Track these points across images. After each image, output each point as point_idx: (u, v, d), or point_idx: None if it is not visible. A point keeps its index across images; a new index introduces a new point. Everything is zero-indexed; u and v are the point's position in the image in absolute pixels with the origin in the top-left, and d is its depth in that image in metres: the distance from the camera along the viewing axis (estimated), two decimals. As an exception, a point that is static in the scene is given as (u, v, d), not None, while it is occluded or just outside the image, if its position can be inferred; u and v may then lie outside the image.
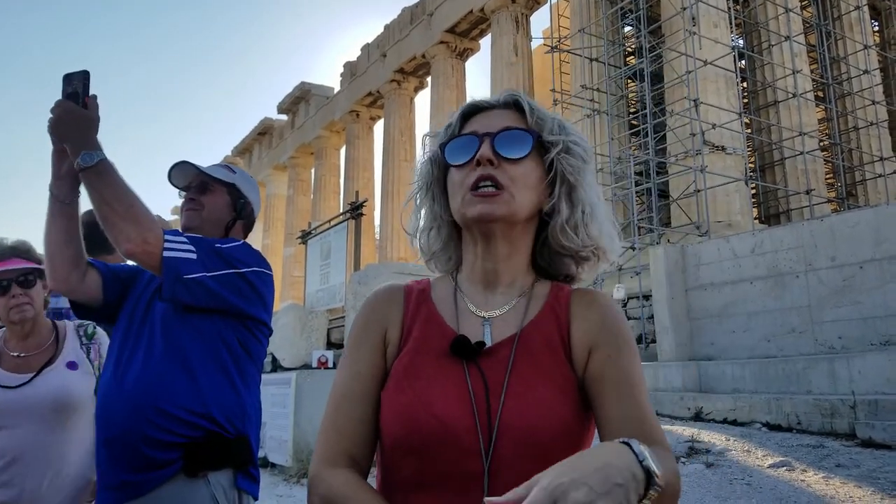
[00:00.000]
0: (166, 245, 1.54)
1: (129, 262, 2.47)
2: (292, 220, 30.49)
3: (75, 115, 1.48)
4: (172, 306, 1.63)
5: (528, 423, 0.84)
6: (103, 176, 1.49)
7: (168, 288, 1.55)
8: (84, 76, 1.50)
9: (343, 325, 11.22)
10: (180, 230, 1.79)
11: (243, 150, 38.35)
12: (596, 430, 0.90)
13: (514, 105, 0.98)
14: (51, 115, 1.48)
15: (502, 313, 0.95)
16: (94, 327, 2.10)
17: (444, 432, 0.84)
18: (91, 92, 1.51)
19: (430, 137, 1.03)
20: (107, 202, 1.49)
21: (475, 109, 0.99)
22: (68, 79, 1.50)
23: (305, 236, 14.58)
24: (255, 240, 35.32)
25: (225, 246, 1.70)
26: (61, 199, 1.59)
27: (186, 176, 1.86)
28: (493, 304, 0.96)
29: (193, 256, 1.58)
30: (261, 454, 6.06)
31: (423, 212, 1.02)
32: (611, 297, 0.96)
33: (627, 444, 0.69)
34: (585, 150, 0.97)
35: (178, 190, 1.89)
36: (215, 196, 1.87)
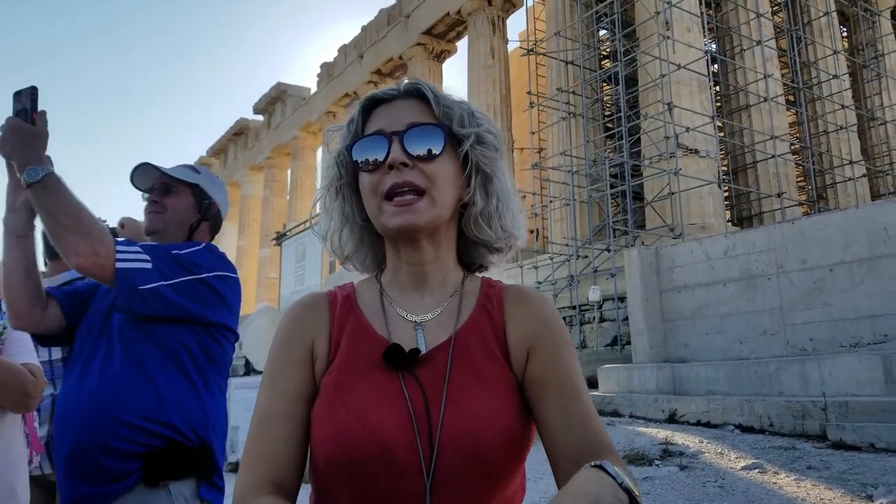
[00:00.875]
0: (118, 256, 1.49)
1: None
2: (268, 221, 30.30)
3: (22, 131, 1.44)
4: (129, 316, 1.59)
5: (470, 432, 0.79)
6: (49, 190, 1.44)
7: (123, 300, 1.51)
8: (32, 92, 1.48)
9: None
10: (145, 233, 1.82)
11: (218, 150, 38.00)
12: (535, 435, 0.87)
13: (418, 94, 0.90)
14: None
15: (434, 316, 0.90)
16: (4, 327, 2.04)
17: (382, 450, 0.79)
18: (40, 108, 1.48)
19: (333, 133, 0.95)
20: (54, 216, 1.44)
21: (376, 102, 0.92)
22: (17, 96, 1.48)
23: (280, 238, 14.48)
24: (230, 241, 35.14)
25: (184, 252, 1.65)
26: (17, 232, 1.55)
27: (149, 178, 1.83)
28: (424, 306, 0.91)
29: (148, 266, 1.54)
30: (233, 459, 5.98)
31: (334, 214, 0.95)
32: (543, 294, 0.93)
33: (601, 466, 0.68)
34: (497, 138, 0.92)
35: (141, 193, 1.86)
36: (179, 197, 1.84)
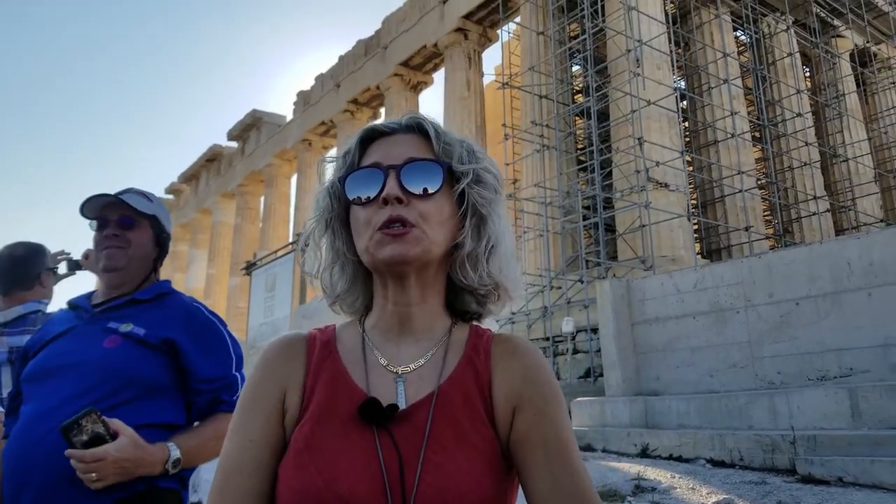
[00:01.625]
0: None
1: (45, 306, 2.37)
2: (239, 250, 29.98)
3: (136, 462, 1.43)
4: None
5: (445, 499, 0.74)
6: (188, 459, 1.57)
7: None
8: (95, 416, 1.37)
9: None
10: (102, 271, 1.71)
11: (190, 176, 37.67)
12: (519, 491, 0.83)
13: (418, 129, 0.88)
14: (98, 477, 1.38)
15: (418, 367, 0.85)
16: None
17: None
18: (111, 429, 1.41)
19: (328, 164, 0.92)
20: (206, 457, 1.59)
21: (376, 134, 0.89)
22: (74, 428, 1.35)
23: (250, 267, 14.33)
24: (199, 269, 34.70)
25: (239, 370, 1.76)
26: None
27: (105, 208, 1.70)
28: (407, 356, 0.86)
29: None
30: (194, 499, 5.82)
31: (323, 248, 0.91)
32: (532, 344, 0.90)
33: None
34: (497, 178, 0.90)
35: (91, 223, 1.73)
36: (141, 231, 1.74)
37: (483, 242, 0.87)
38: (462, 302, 0.92)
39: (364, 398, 0.81)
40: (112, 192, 1.73)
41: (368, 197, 0.83)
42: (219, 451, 0.86)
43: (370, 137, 0.89)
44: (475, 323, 0.94)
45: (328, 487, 0.75)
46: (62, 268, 2.55)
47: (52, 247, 2.51)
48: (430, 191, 0.83)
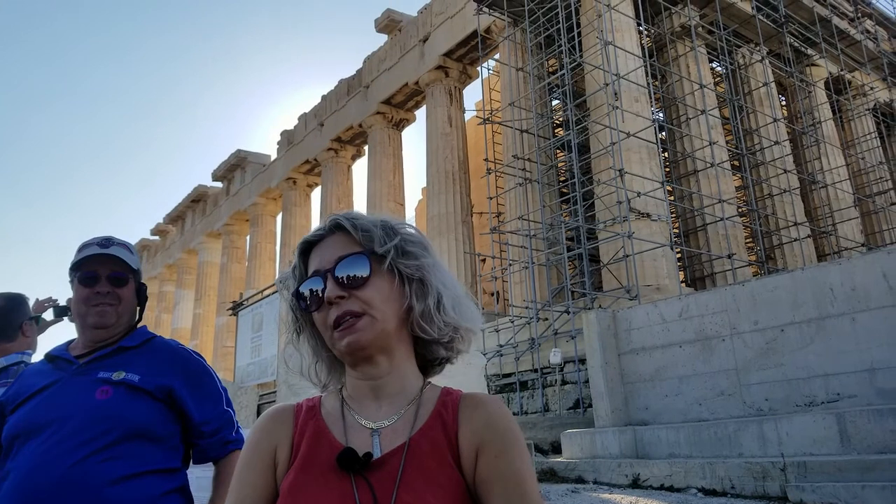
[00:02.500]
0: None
1: (29, 357, 2.33)
2: (226, 289, 29.83)
3: None
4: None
5: None
6: None
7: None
8: None
9: (275, 401, 10.88)
10: (89, 326, 1.69)
11: (175, 217, 37.64)
12: None
13: (339, 228, 0.98)
14: None
15: (391, 423, 0.94)
16: None
17: None
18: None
19: (284, 283, 1.03)
20: None
21: (310, 245, 1.00)
22: None
23: (236, 308, 14.24)
24: (186, 308, 34.42)
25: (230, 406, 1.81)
26: None
27: (95, 261, 1.68)
28: (382, 414, 0.96)
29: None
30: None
31: (303, 351, 1.02)
32: (497, 398, 0.94)
33: None
34: (420, 242, 0.99)
35: (74, 275, 1.68)
36: (129, 287, 1.74)
37: (429, 299, 0.96)
38: (432, 352, 1.01)
39: (341, 449, 0.90)
40: (88, 237, 1.73)
41: (318, 301, 0.94)
42: None
43: (307, 249, 1.00)
44: (446, 385, 1.03)
45: None
46: (48, 315, 2.52)
47: (26, 291, 2.48)
48: (363, 278, 0.93)
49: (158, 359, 1.70)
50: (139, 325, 1.81)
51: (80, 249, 1.71)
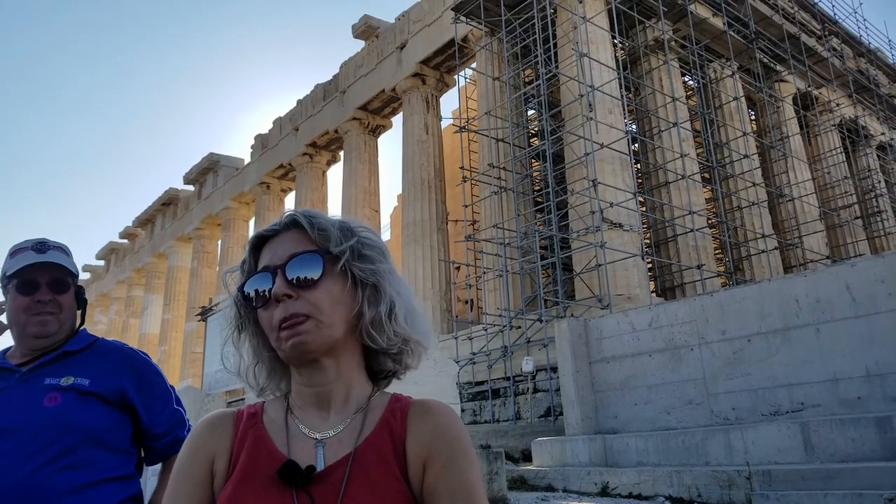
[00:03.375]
0: None
1: None
2: (196, 294, 29.46)
3: None
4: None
5: None
6: None
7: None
8: None
9: (247, 406, 10.76)
10: (29, 336, 1.62)
11: (145, 220, 37.09)
12: None
13: (296, 225, 0.94)
14: None
15: (337, 433, 0.90)
16: None
17: None
18: None
19: (230, 275, 0.98)
20: None
21: (263, 240, 0.95)
22: None
23: (205, 313, 14.07)
24: (155, 313, 33.91)
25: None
26: None
27: (33, 269, 1.59)
28: (327, 424, 0.91)
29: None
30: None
31: (243, 351, 0.96)
32: (447, 406, 0.91)
33: None
34: (378, 247, 0.96)
35: (8, 284, 1.60)
36: (69, 292, 1.66)
37: (381, 307, 0.92)
38: (379, 363, 0.97)
39: (283, 461, 0.86)
40: (33, 238, 1.65)
41: (265, 296, 0.90)
42: None
43: (259, 244, 0.95)
44: (397, 379, 1.00)
45: None
46: None
47: None
48: (314, 279, 0.89)
49: (106, 361, 1.65)
50: (80, 328, 1.75)
51: (14, 255, 1.62)
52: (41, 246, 1.63)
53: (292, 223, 0.94)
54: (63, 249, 1.68)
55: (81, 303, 1.74)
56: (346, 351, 0.93)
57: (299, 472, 0.84)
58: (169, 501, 0.89)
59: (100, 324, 40.00)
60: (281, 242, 0.93)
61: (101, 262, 42.90)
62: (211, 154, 31.02)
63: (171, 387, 1.78)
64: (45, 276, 1.61)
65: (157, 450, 1.69)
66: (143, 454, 1.73)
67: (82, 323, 1.75)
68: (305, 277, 0.89)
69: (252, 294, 0.91)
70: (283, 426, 0.91)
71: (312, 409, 0.93)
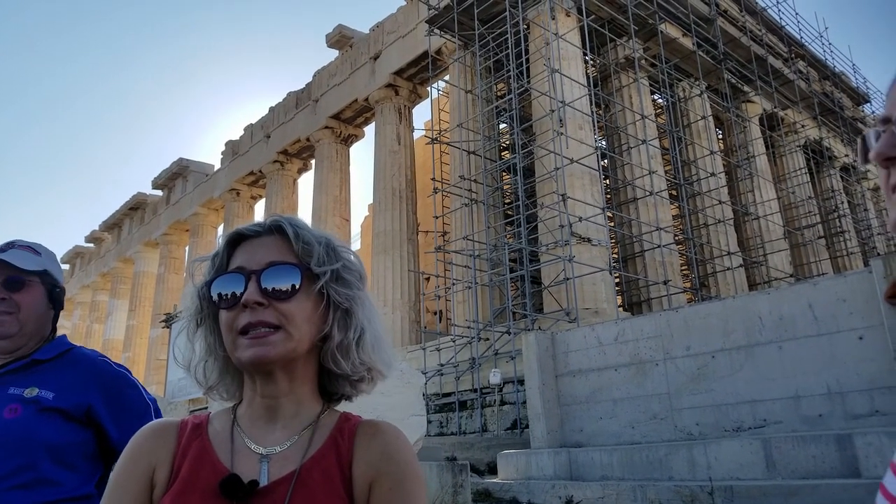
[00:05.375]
0: None
1: None
2: (162, 300, 28.98)
3: None
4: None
5: None
6: None
7: None
8: None
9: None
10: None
11: (112, 224, 36.46)
12: None
13: (279, 231, 0.92)
14: None
15: (283, 450, 0.88)
16: None
17: None
18: None
19: (198, 264, 0.96)
20: None
21: (241, 237, 0.93)
22: None
23: (169, 320, 13.84)
24: (120, 319, 33.30)
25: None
26: None
27: None
28: (274, 439, 0.89)
29: None
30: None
31: (196, 345, 0.94)
32: (396, 428, 0.92)
33: None
34: (357, 273, 0.94)
35: None
36: (31, 291, 1.59)
37: (351, 332, 0.91)
38: (335, 385, 0.95)
39: (225, 475, 0.84)
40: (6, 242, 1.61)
41: (234, 297, 0.87)
42: None
43: (237, 241, 0.93)
44: (348, 401, 0.98)
45: None
46: None
47: None
48: (289, 292, 0.87)
49: (74, 373, 1.57)
50: (57, 335, 1.68)
51: None
52: (5, 246, 1.59)
53: (277, 229, 0.92)
54: (32, 248, 1.62)
55: (56, 305, 1.67)
56: (302, 368, 0.91)
57: (241, 487, 0.82)
58: None
59: (62, 328, 37.96)
60: (261, 246, 0.90)
61: (66, 266, 42.00)
62: (180, 159, 30.65)
63: (153, 399, 1.69)
64: (1, 275, 1.55)
65: None
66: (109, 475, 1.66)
67: (54, 328, 1.68)
68: (281, 287, 0.87)
69: (220, 293, 0.88)
70: (227, 439, 0.89)
71: (260, 421, 0.91)
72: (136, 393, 1.64)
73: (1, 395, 1.49)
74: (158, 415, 1.67)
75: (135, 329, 31.41)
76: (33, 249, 1.63)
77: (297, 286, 0.87)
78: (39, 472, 1.43)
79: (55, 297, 1.66)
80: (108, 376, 1.61)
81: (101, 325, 35.57)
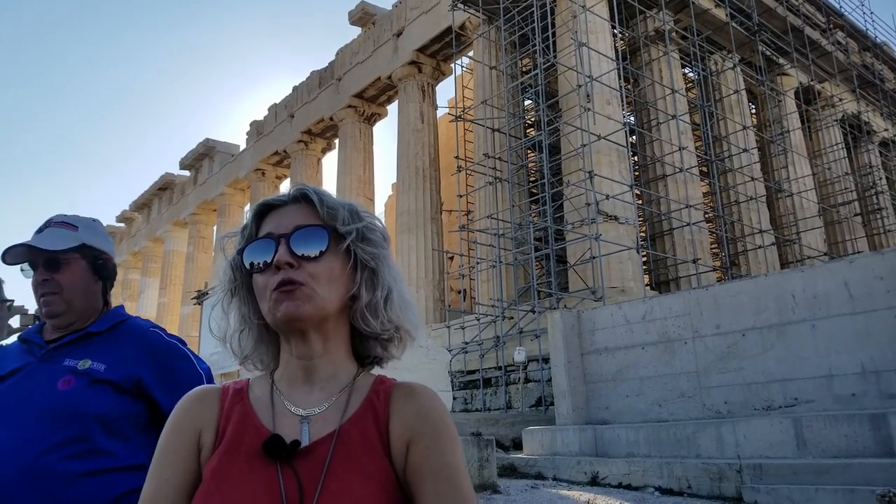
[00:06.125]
0: None
1: None
2: (191, 278, 29.41)
3: None
4: None
5: None
6: None
7: None
8: None
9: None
10: (45, 316, 1.59)
11: (142, 205, 37.01)
12: None
13: (305, 199, 0.96)
14: None
15: (321, 411, 0.91)
16: None
17: None
18: None
19: (229, 239, 1.00)
20: None
21: (268, 208, 0.97)
22: None
23: (201, 297, 13.99)
24: (151, 297, 33.87)
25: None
26: None
27: (29, 251, 1.58)
28: (312, 401, 0.92)
29: None
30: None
31: (231, 316, 0.98)
32: (430, 389, 0.93)
33: None
34: (381, 234, 0.98)
35: (23, 267, 1.60)
36: (70, 268, 1.60)
37: (378, 292, 0.95)
38: (367, 348, 0.98)
39: (268, 436, 0.87)
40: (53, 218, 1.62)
41: (264, 264, 0.91)
42: None
43: (264, 212, 0.97)
44: (380, 368, 1.01)
45: None
46: (15, 322, 2.40)
47: None
48: (318, 253, 0.91)
49: (126, 345, 1.59)
50: (113, 306, 1.69)
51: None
52: (43, 226, 1.62)
53: (302, 197, 0.96)
54: (69, 224, 1.63)
55: (104, 276, 1.68)
56: (334, 329, 0.94)
57: (284, 447, 0.85)
58: (155, 474, 0.89)
59: None
60: (288, 213, 0.95)
61: (97, 246, 42.78)
62: (207, 140, 30.89)
63: (206, 368, 1.69)
64: (39, 256, 1.58)
65: None
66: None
67: (106, 299, 1.69)
68: (310, 248, 0.91)
69: (252, 260, 0.92)
70: (268, 403, 0.93)
71: (298, 383, 0.94)
72: (188, 363, 1.65)
73: (56, 366, 1.52)
74: (212, 380, 1.68)
75: (166, 306, 31.97)
76: (70, 224, 1.63)
77: (325, 246, 0.91)
78: (92, 443, 1.46)
79: (100, 268, 1.66)
80: (159, 348, 1.63)
81: (133, 302, 36.25)
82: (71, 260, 1.60)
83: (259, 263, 0.91)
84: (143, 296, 34.99)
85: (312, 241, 0.91)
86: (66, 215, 1.67)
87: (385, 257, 0.97)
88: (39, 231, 1.60)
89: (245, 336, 0.97)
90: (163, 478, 0.89)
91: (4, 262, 1.57)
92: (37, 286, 1.58)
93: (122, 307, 1.73)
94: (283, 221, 0.93)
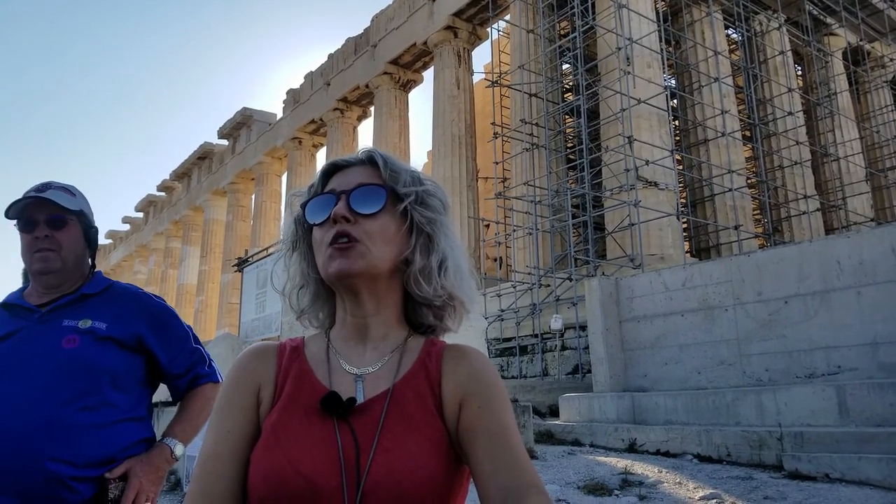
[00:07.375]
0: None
1: None
2: (231, 247, 29.88)
3: (156, 477, 1.61)
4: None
5: (395, 479, 0.83)
6: (187, 440, 1.73)
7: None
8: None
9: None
10: (36, 273, 1.64)
11: (182, 174, 37.56)
12: (472, 483, 0.90)
13: (370, 161, 0.99)
14: None
15: (375, 370, 0.94)
16: None
17: (311, 492, 0.83)
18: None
19: (296, 197, 1.03)
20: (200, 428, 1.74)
21: (335, 168, 1.01)
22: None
23: (241, 264, 14.24)
24: (192, 265, 34.59)
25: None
26: None
27: (31, 207, 1.62)
28: (366, 360, 0.96)
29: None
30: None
31: (291, 270, 1.01)
32: (480, 351, 0.95)
33: None
34: (441, 201, 1.00)
35: (16, 224, 1.65)
36: (70, 230, 1.66)
37: (433, 258, 0.97)
38: (419, 314, 1.01)
39: (325, 393, 0.90)
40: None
41: (322, 218, 0.94)
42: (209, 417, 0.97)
43: (332, 171, 1.01)
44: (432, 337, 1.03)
45: (292, 467, 0.84)
46: None
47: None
48: (374, 210, 0.93)
49: (122, 305, 1.68)
50: (95, 272, 1.77)
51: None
52: (43, 187, 1.66)
53: (368, 159, 0.99)
54: (68, 190, 1.69)
55: (92, 244, 1.75)
56: (386, 290, 0.97)
57: (341, 403, 0.88)
58: (215, 426, 0.92)
59: (139, 273, 41.12)
60: (352, 173, 0.98)
61: (140, 214, 43.73)
62: (244, 109, 31.08)
63: (189, 327, 1.82)
64: (42, 213, 1.63)
65: (180, 387, 1.76)
66: (154, 396, 1.78)
67: (93, 265, 1.77)
68: (368, 205, 0.93)
69: (311, 211, 0.96)
70: (324, 361, 0.96)
71: (352, 342, 0.97)
72: (178, 321, 1.78)
73: (56, 326, 1.59)
74: (197, 340, 1.81)
75: (207, 274, 32.60)
76: (69, 190, 1.70)
77: (382, 204, 0.94)
78: (102, 395, 1.55)
79: (90, 237, 1.74)
80: (153, 307, 1.74)
81: (174, 270, 37.07)
82: (71, 222, 1.67)
83: (319, 217, 0.95)
84: (185, 264, 35.72)
85: (371, 199, 0.94)
86: (61, 182, 1.71)
87: (443, 224, 0.98)
88: (40, 190, 1.63)
89: (303, 292, 1.01)
90: (224, 430, 0.92)
91: (7, 216, 1.63)
92: (34, 242, 1.62)
93: (101, 272, 1.80)
94: (347, 179, 0.97)
